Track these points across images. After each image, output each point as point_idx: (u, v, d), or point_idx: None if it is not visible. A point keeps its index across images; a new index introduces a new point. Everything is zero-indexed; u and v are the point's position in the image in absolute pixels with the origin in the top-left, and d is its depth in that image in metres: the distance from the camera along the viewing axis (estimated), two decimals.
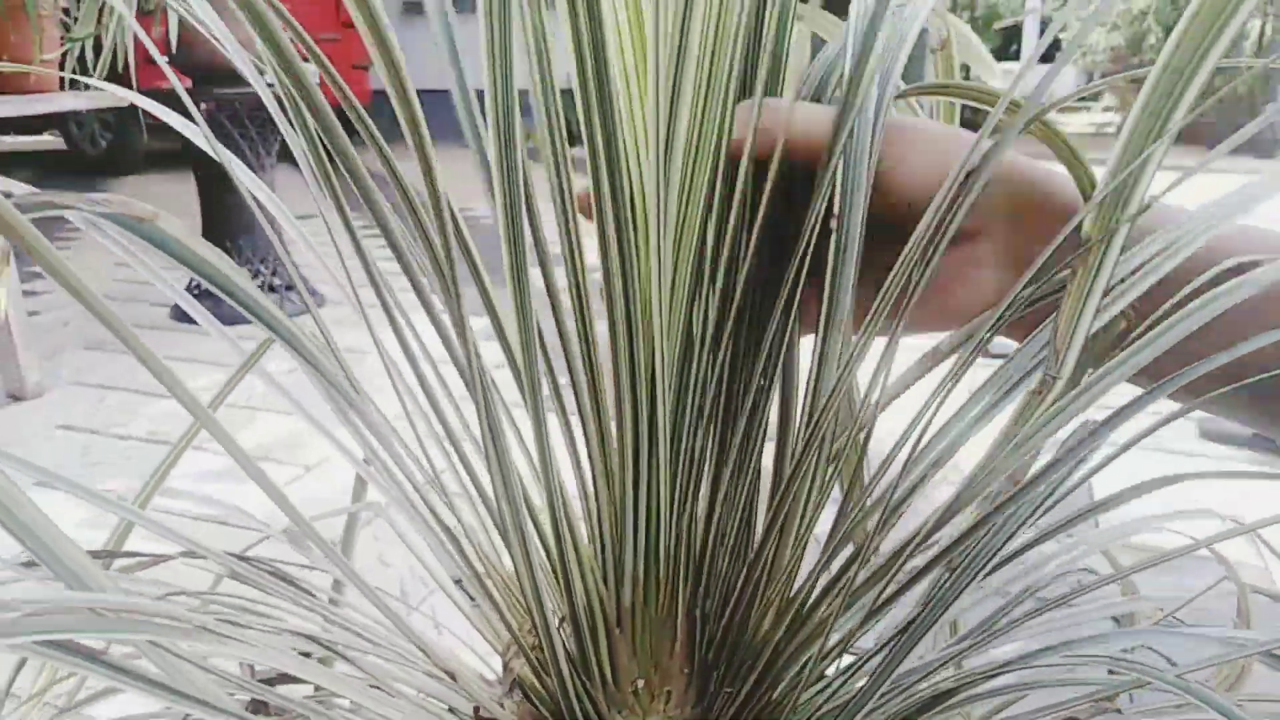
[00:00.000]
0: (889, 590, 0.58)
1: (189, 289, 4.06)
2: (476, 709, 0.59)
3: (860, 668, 0.61)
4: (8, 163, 8.70)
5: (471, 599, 0.65)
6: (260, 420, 3.30)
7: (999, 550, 0.56)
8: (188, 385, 0.47)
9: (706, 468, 0.56)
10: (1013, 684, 0.61)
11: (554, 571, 0.56)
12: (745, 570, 0.57)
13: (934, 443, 0.54)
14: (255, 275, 4.08)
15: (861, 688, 0.57)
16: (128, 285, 5.05)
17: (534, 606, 0.54)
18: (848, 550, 0.58)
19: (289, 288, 4.08)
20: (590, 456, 0.56)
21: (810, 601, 0.58)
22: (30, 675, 0.65)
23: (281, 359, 0.61)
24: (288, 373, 0.70)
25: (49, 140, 9.32)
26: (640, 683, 0.59)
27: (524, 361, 0.52)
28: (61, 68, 4.06)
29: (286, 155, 0.71)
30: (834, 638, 0.59)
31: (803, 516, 0.56)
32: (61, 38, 3.61)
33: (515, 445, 0.57)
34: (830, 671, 0.66)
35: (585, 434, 0.56)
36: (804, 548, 0.57)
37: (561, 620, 0.57)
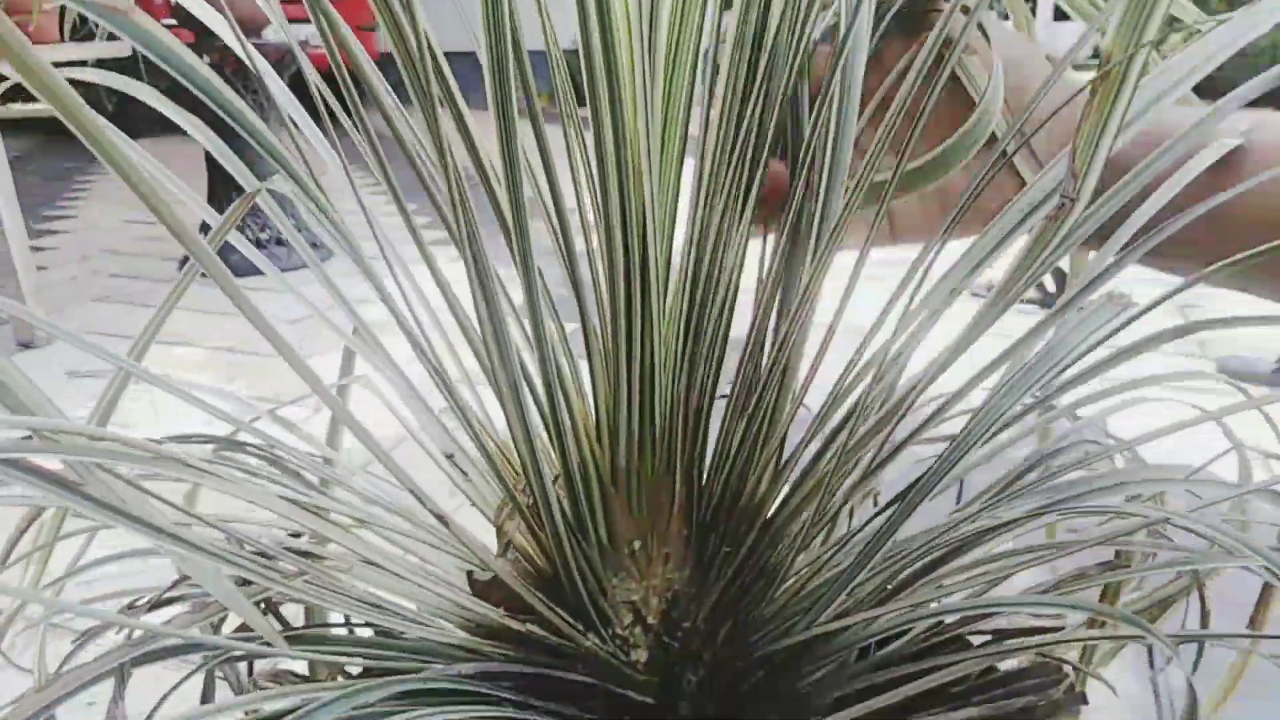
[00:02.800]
0: (887, 449, 0.57)
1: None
2: (470, 573, 0.59)
3: (861, 531, 0.60)
4: (14, 129, 8.70)
5: (464, 473, 0.64)
6: (269, 366, 3.31)
7: (1009, 408, 0.54)
8: (196, 334, 0.47)
9: (706, 322, 0.54)
10: (1017, 550, 0.60)
11: (548, 429, 0.55)
12: (744, 427, 0.56)
13: (939, 288, 0.53)
14: (263, 229, 4.07)
15: (861, 549, 0.56)
16: (136, 240, 5.06)
17: (528, 461, 0.53)
18: (847, 406, 0.57)
19: (279, 242, 4.06)
20: (584, 311, 0.55)
21: (809, 460, 0.57)
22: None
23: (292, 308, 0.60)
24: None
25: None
26: (637, 545, 0.58)
27: (510, 205, 0.51)
28: (61, 24, 4.03)
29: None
30: (834, 497, 0.58)
31: (808, 368, 0.55)
32: None
33: (506, 302, 0.55)
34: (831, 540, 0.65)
35: (578, 286, 0.54)
36: (801, 403, 0.56)
37: (556, 478, 0.56)
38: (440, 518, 0.54)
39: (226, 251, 3.91)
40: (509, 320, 0.52)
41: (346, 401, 0.71)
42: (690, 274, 0.54)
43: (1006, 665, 0.70)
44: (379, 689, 0.53)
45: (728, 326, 0.54)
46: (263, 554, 0.61)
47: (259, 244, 4.02)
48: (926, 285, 0.54)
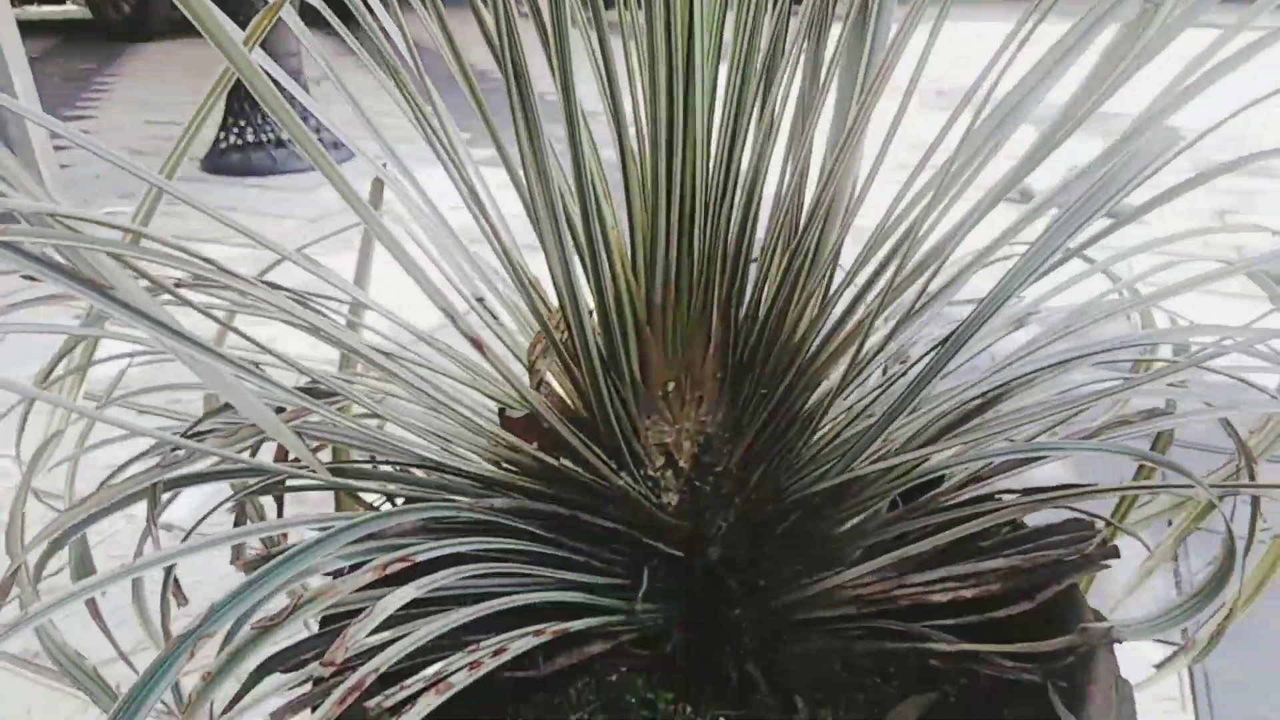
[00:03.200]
0: (931, 290, 0.56)
1: (217, 141, 4.03)
2: (502, 409, 0.58)
3: (901, 375, 0.59)
4: (33, 31, 8.59)
5: (494, 316, 0.64)
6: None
7: (1071, 234, 0.53)
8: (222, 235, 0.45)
9: (748, 147, 0.53)
10: (1054, 401, 0.59)
11: (584, 262, 0.53)
12: (786, 265, 0.55)
13: (1007, 102, 0.50)
14: (280, 129, 4.02)
15: (902, 393, 0.55)
16: (155, 141, 5.02)
17: (566, 293, 0.52)
18: (893, 241, 0.56)
19: (279, 142, 4.01)
20: (622, 137, 0.53)
21: (850, 300, 0.56)
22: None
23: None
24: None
25: (73, 9, 9.19)
26: (671, 386, 0.57)
27: (552, 25, 0.49)
28: None
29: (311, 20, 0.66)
30: (873, 340, 0.57)
31: (852, 195, 0.53)
32: None
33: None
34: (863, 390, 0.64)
35: (617, 112, 0.53)
36: (847, 232, 0.54)
37: (591, 313, 0.55)
38: (475, 342, 0.53)
39: (248, 150, 3.89)
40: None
41: (373, 245, 0.70)
42: (734, 99, 0.52)
43: (1035, 522, 0.70)
44: (409, 514, 0.53)
45: (769, 156, 0.52)
46: (301, 389, 0.61)
47: (278, 143, 3.98)
48: (982, 115, 0.52)
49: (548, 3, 0.45)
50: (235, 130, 3.93)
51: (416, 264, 0.53)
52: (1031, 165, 0.51)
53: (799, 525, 0.63)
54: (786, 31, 0.51)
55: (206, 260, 0.49)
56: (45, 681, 1.28)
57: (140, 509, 0.59)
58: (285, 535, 0.69)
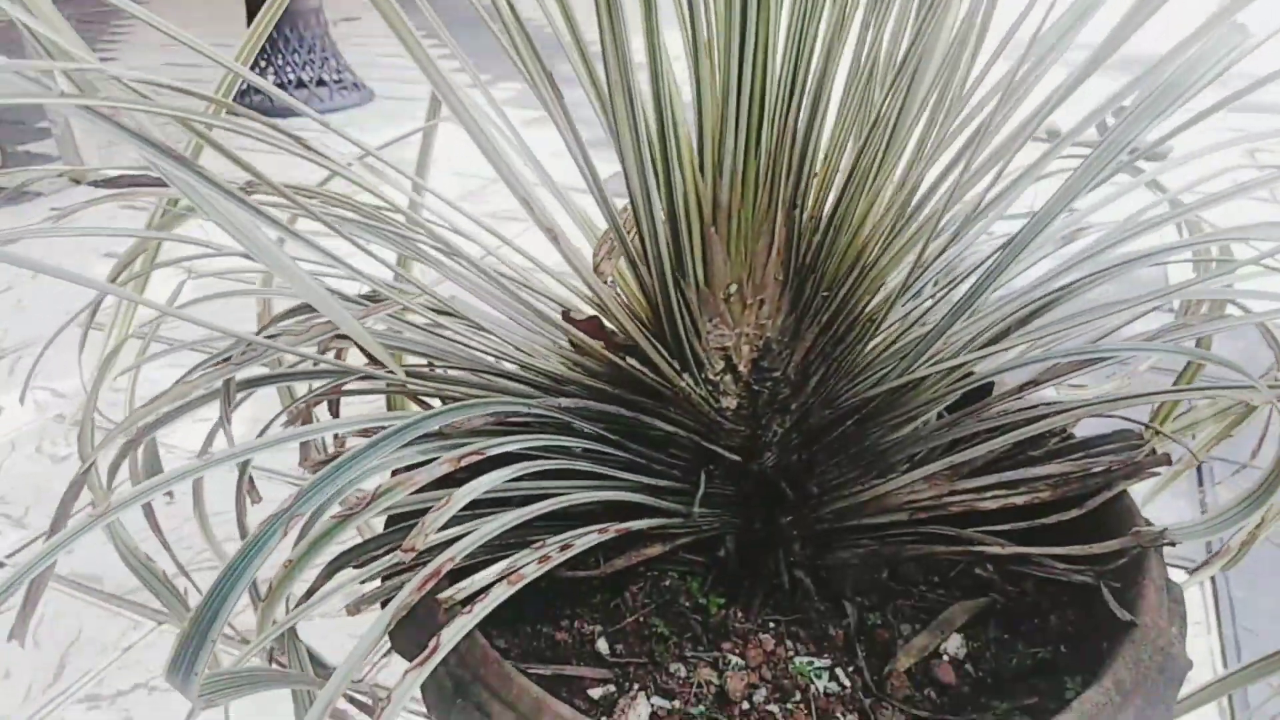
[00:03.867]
0: (1000, 184, 0.56)
1: (239, 83, 4.00)
2: (565, 311, 0.59)
3: (960, 282, 0.60)
4: None
5: (561, 228, 0.64)
6: None
7: (1129, 143, 0.53)
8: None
9: (817, 46, 0.52)
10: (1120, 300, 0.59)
11: (654, 162, 0.54)
12: (853, 163, 0.55)
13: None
14: (304, 67, 3.99)
15: (961, 297, 0.56)
16: (179, 83, 4.99)
17: (639, 190, 0.52)
18: (961, 139, 0.56)
19: (338, 81, 3.99)
20: (694, 23, 0.53)
21: (918, 200, 0.56)
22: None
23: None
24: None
25: None
26: (733, 289, 0.58)
27: None
28: None
29: None
30: (938, 242, 0.57)
31: (918, 106, 0.53)
32: None
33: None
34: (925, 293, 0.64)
35: (691, 11, 0.52)
36: (913, 133, 0.54)
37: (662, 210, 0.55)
38: (550, 231, 0.54)
39: (265, 93, 3.87)
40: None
41: (432, 148, 0.70)
42: (805, 6, 0.51)
43: (1083, 433, 0.70)
44: (479, 408, 0.54)
45: (838, 57, 0.52)
46: (369, 295, 0.62)
47: (300, 84, 3.96)
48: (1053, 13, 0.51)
49: None
50: (258, 72, 3.91)
51: (494, 149, 0.53)
52: (1103, 56, 0.51)
53: (853, 431, 0.63)
54: None
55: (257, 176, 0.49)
56: (97, 603, 1.32)
57: (197, 432, 0.60)
58: (343, 442, 0.70)
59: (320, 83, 3.98)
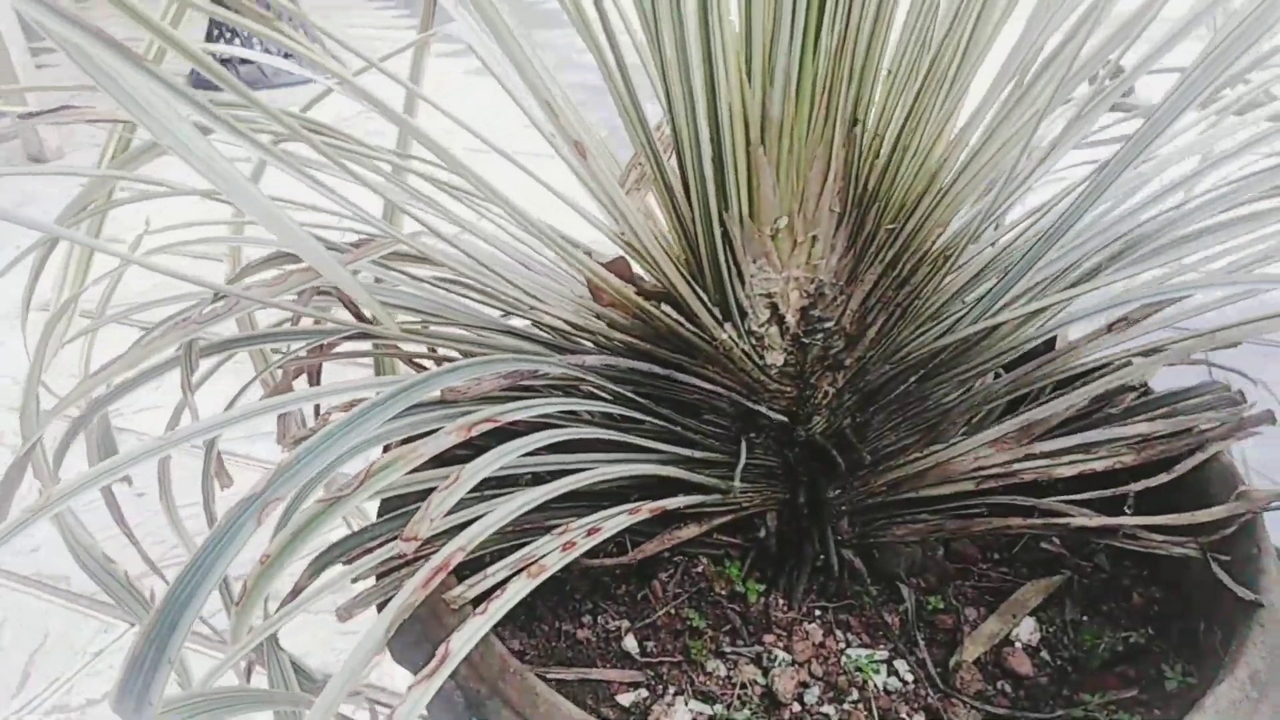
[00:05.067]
0: (1085, 108, 0.48)
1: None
2: (588, 252, 0.51)
3: (1041, 217, 0.52)
4: None
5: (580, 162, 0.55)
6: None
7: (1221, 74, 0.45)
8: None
9: None
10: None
11: (699, 69, 0.45)
12: (922, 78, 0.47)
13: None
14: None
15: (1040, 235, 0.48)
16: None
17: (681, 94, 0.43)
18: (1045, 56, 0.47)
19: (287, 55, 3.86)
20: None
21: (994, 117, 0.48)
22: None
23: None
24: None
25: None
26: (783, 223, 0.50)
27: None
28: None
29: None
30: (1020, 166, 0.49)
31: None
32: None
33: None
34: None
35: None
36: (995, 38, 0.46)
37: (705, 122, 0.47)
38: (578, 146, 0.45)
39: (236, 63, 3.73)
40: None
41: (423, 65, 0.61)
42: None
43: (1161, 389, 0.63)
44: (489, 366, 0.46)
45: None
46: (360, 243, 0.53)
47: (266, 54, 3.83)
48: None
49: None
50: (222, 42, 3.78)
51: (501, 61, 0.44)
52: None
53: (915, 390, 0.55)
54: None
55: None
56: (64, 604, 1.23)
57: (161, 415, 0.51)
58: (328, 416, 0.62)
59: (288, 55, 3.85)
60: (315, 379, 0.62)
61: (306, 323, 0.58)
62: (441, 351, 0.54)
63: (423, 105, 0.61)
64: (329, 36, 0.57)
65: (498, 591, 0.45)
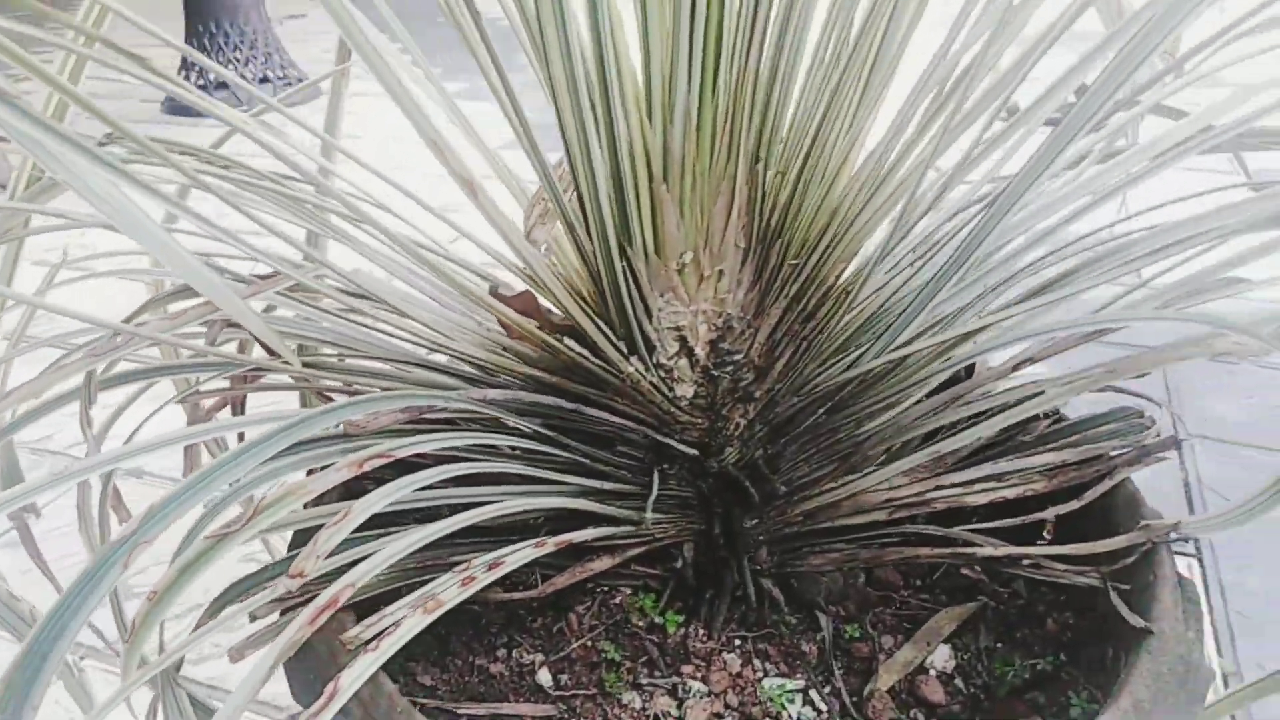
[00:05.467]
0: (988, 136, 0.48)
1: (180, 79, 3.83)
2: (493, 287, 0.51)
3: (940, 249, 0.52)
4: None
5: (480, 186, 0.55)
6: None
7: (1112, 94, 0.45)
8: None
9: None
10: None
11: (593, 103, 0.45)
12: (821, 116, 0.47)
13: None
14: (245, 64, 3.82)
15: (941, 266, 0.48)
16: (109, 84, 4.78)
17: (575, 135, 0.43)
18: (941, 90, 0.48)
19: (282, 78, 3.83)
20: None
21: (898, 149, 0.48)
22: None
23: None
24: None
25: None
26: (688, 257, 0.50)
27: None
28: None
29: None
30: (920, 202, 0.50)
31: (901, 37, 0.45)
32: None
33: None
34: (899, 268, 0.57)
35: None
36: (894, 73, 0.46)
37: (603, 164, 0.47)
38: (468, 184, 0.45)
39: (212, 89, 3.71)
40: None
41: (346, 89, 0.61)
42: None
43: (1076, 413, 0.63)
44: (386, 403, 0.46)
45: None
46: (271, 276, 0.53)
47: (242, 80, 3.80)
48: None
49: None
50: (198, 68, 3.75)
51: (405, 96, 0.44)
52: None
53: (825, 421, 0.56)
54: None
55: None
56: None
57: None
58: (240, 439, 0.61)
59: (264, 79, 3.83)
60: (239, 409, 0.62)
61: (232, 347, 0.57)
62: (359, 385, 0.54)
63: (348, 129, 0.61)
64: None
65: (392, 630, 0.44)
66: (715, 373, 0.53)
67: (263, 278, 0.52)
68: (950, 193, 0.48)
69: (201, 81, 3.71)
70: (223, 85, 3.75)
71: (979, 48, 0.45)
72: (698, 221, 0.49)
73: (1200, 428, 1.20)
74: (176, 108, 3.81)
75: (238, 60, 3.81)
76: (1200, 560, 1.08)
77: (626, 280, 0.49)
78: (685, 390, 0.53)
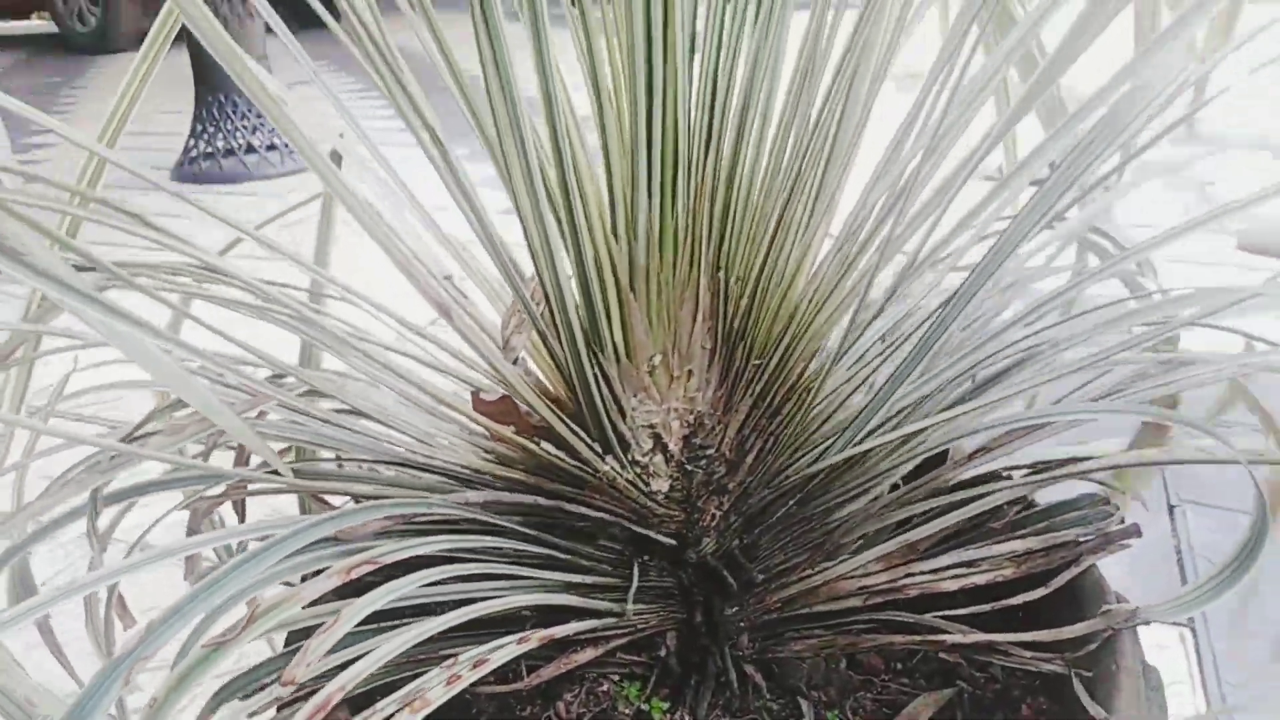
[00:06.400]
0: (933, 239, 0.52)
1: (188, 149, 3.94)
2: (475, 392, 0.54)
3: (899, 345, 0.55)
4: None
5: (464, 294, 0.59)
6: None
7: (1055, 202, 0.49)
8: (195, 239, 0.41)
9: (734, 92, 0.48)
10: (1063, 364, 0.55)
11: (561, 222, 0.48)
12: (775, 225, 0.51)
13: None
14: (253, 132, 3.93)
15: (907, 356, 0.51)
16: (121, 152, 4.92)
17: (543, 256, 0.47)
18: (888, 196, 0.51)
19: (271, 147, 3.93)
20: (597, 79, 0.48)
21: (847, 257, 0.51)
22: None
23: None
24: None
25: (38, 24, 9.06)
26: (657, 360, 0.53)
27: None
28: None
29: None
30: (873, 298, 0.53)
31: (846, 155, 0.49)
32: None
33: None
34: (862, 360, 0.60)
35: (592, 58, 0.48)
36: (844, 183, 0.50)
37: (570, 279, 0.50)
38: (442, 309, 0.48)
39: (218, 157, 3.82)
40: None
41: (333, 217, 0.65)
42: (718, 46, 0.47)
43: (1045, 499, 0.65)
44: (372, 512, 0.48)
45: (767, 98, 0.48)
46: (271, 379, 0.56)
47: (250, 149, 3.90)
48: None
49: None
50: (205, 137, 3.86)
51: (382, 229, 0.48)
52: (1032, 100, 0.47)
53: (797, 511, 0.58)
54: None
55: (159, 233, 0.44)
56: None
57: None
58: (244, 546, 0.64)
59: (271, 147, 3.93)
60: (241, 512, 0.65)
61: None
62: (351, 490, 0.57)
63: (340, 232, 0.65)
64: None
65: None
66: (689, 467, 0.56)
67: (257, 391, 0.55)
68: (905, 289, 0.51)
69: (210, 149, 3.82)
70: (229, 152, 3.86)
71: (917, 162, 0.48)
72: (665, 326, 0.52)
73: (1192, 493, 1.21)
74: (184, 174, 3.91)
75: (245, 129, 3.92)
76: (1192, 630, 1.08)
77: (598, 383, 0.52)
78: (661, 485, 0.56)
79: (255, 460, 0.56)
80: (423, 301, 0.56)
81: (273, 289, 0.59)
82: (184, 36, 4.16)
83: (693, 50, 0.47)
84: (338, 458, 0.60)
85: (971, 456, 0.54)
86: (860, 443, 0.52)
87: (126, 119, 0.60)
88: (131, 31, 8.17)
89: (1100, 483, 0.62)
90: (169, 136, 4.45)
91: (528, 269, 0.51)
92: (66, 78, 6.95)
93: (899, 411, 0.55)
